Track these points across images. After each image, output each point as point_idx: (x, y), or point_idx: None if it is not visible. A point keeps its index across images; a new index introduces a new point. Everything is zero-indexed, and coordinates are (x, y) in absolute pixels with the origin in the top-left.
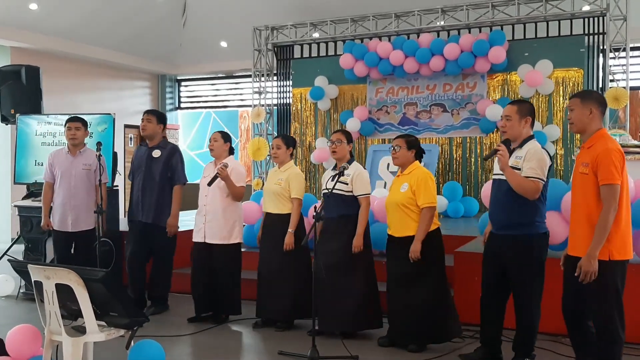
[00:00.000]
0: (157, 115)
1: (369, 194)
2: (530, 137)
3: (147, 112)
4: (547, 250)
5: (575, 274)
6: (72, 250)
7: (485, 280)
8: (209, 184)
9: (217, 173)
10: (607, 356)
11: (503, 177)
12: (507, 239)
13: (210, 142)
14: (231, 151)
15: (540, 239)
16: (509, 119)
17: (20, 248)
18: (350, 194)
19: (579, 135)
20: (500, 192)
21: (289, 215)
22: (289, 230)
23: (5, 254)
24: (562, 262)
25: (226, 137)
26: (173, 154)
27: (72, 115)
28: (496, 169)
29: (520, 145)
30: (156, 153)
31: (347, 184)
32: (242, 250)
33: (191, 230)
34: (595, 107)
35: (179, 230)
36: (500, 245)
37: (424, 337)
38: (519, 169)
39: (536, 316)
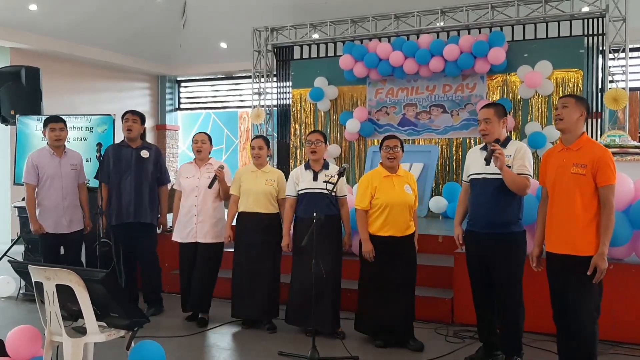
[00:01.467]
0: (141, 116)
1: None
2: (509, 138)
3: (131, 113)
4: (526, 247)
5: (589, 273)
6: (62, 252)
7: (475, 280)
8: (210, 186)
9: (216, 175)
10: (589, 351)
11: (487, 177)
12: (493, 237)
13: (197, 143)
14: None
15: (523, 237)
16: (488, 122)
17: (20, 249)
18: (334, 194)
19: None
20: (487, 191)
21: (277, 214)
22: (285, 230)
23: (5, 254)
24: (535, 263)
25: (211, 139)
26: (159, 154)
27: (52, 115)
28: (475, 168)
29: (504, 145)
30: (145, 154)
31: (334, 184)
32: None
33: None
34: (584, 112)
35: (170, 230)
36: (485, 243)
37: (412, 331)
38: (509, 167)
39: (522, 312)
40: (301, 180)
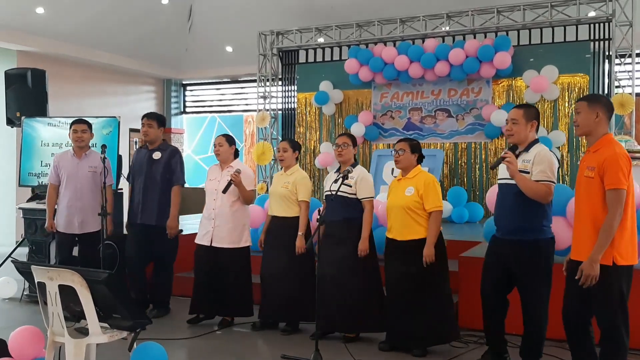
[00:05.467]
0: (158, 119)
1: (373, 197)
2: (536, 141)
3: (147, 116)
4: (554, 255)
5: (576, 277)
6: (75, 253)
7: (487, 284)
8: (224, 191)
9: (232, 180)
10: None
11: (510, 182)
12: (515, 243)
13: (215, 147)
14: (236, 154)
15: (548, 244)
16: (515, 123)
17: (24, 251)
18: (354, 196)
19: (585, 142)
20: (508, 196)
21: (295, 218)
22: (299, 233)
23: (9, 256)
24: (564, 267)
25: (231, 140)
26: (173, 155)
27: (77, 118)
28: (502, 173)
29: (527, 149)
30: (157, 155)
31: (351, 186)
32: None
33: (193, 234)
34: (602, 112)
35: (182, 233)
36: (507, 250)
37: (427, 341)
38: (528, 173)
39: (544, 321)
40: (327, 182)
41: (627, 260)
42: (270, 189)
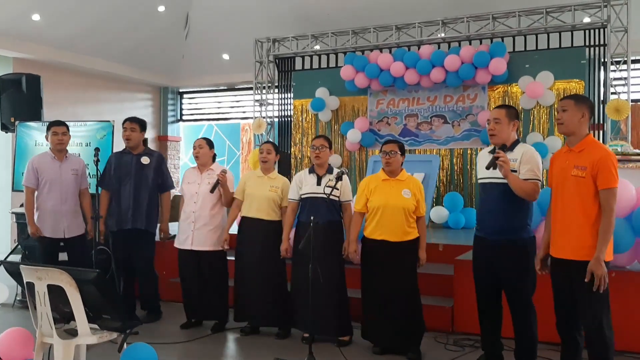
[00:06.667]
0: (140, 123)
1: (352, 200)
2: (517, 141)
3: (130, 120)
4: (535, 254)
5: (586, 280)
6: (60, 257)
7: (480, 287)
8: (212, 190)
9: (219, 179)
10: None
11: (494, 181)
12: (502, 243)
13: (195, 149)
14: (214, 158)
15: (532, 243)
16: (498, 122)
17: (19, 256)
18: (337, 199)
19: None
20: (492, 196)
21: (279, 222)
22: (284, 237)
23: (2, 262)
24: (539, 266)
25: (211, 144)
26: (162, 160)
27: (56, 120)
28: (482, 173)
29: (511, 148)
30: (145, 160)
31: (338, 189)
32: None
33: None
34: (587, 112)
35: (172, 238)
36: (493, 251)
37: (418, 341)
38: (515, 171)
39: (534, 320)
40: (304, 184)
41: (609, 257)
42: (248, 190)
